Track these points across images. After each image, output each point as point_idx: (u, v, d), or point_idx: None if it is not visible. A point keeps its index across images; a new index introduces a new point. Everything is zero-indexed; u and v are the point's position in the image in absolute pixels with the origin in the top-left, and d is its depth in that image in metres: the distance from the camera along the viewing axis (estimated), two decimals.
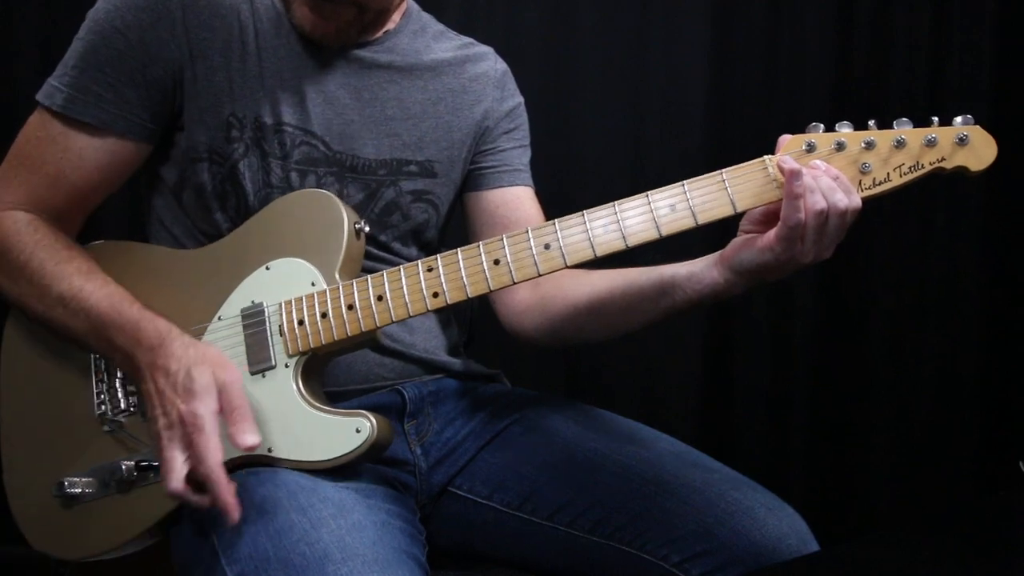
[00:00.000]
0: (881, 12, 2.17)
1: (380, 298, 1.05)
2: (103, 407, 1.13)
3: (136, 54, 1.11)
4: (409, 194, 1.24)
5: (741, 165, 1.02)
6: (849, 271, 2.21)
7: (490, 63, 1.35)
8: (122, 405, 1.11)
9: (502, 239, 1.04)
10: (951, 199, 2.18)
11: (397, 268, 1.06)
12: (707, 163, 2.13)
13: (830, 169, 1.00)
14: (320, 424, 1.04)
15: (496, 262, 1.04)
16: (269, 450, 1.04)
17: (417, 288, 1.05)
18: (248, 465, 1.05)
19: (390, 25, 1.26)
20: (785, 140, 1.04)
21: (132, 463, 1.08)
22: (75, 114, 1.11)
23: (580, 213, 1.04)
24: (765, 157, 1.02)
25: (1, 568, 1.36)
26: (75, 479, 1.11)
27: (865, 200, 1.00)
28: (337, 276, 1.07)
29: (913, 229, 2.21)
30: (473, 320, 1.47)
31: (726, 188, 1.02)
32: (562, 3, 2.09)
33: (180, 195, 1.20)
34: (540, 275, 1.03)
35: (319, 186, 1.18)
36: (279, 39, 1.17)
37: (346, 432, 1.03)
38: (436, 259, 1.05)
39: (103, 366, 1.13)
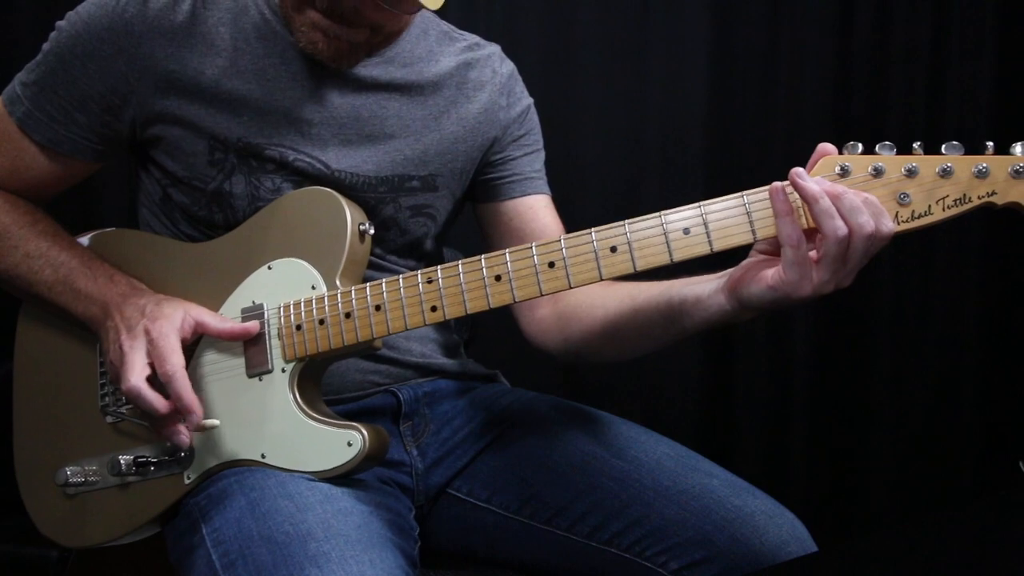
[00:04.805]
0: (881, 13, 2.17)
1: (378, 308, 1.02)
2: (106, 399, 1.14)
3: (92, 83, 1.12)
4: (408, 209, 1.22)
5: (763, 189, 0.91)
6: None
7: (495, 65, 1.30)
8: (124, 399, 1.11)
9: (504, 254, 0.99)
10: None
11: (396, 278, 1.03)
12: (707, 164, 2.14)
13: (856, 192, 0.88)
14: (312, 434, 1.03)
15: (497, 278, 0.99)
16: (263, 456, 1.04)
17: (416, 301, 1.01)
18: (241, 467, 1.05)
19: None
20: (824, 148, 0.92)
21: (131, 458, 1.09)
22: (28, 130, 1.15)
23: (588, 231, 0.96)
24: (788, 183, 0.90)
25: (1, 568, 1.36)
26: (76, 468, 1.12)
27: (900, 235, 0.89)
28: (338, 281, 1.05)
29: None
30: (475, 320, 1.47)
31: (747, 212, 0.92)
32: (562, 3, 2.09)
33: (165, 211, 1.20)
34: (542, 295, 0.98)
35: None
36: (271, 58, 1.14)
37: (337, 445, 1.02)
38: (436, 271, 1.01)
39: None
